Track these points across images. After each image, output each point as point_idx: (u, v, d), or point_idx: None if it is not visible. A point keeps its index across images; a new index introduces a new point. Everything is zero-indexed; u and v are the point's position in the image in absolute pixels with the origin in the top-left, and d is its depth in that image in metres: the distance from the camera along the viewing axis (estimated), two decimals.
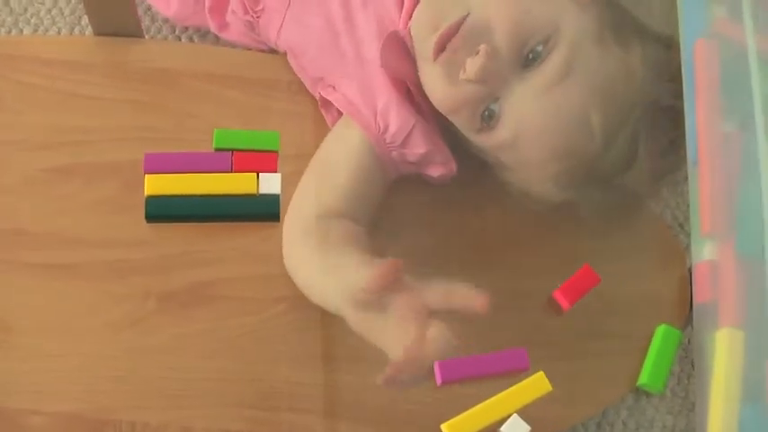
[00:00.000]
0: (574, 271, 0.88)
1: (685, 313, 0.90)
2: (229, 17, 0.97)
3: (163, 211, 0.74)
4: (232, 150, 0.75)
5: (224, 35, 0.98)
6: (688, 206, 0.88)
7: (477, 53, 0.82)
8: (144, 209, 0.76)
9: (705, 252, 0.76)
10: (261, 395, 0.88)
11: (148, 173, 0.74)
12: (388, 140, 0.88)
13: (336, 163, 0.89)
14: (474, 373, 0.84)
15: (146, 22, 1.01)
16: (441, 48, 0.84)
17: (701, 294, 0.76)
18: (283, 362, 0.89)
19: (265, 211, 0.74)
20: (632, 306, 0.91)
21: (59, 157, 0.92)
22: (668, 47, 0.85)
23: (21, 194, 0.91)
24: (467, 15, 0.84)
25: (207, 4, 0.97)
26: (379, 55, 0.87)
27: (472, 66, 0.82)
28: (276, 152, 0.75)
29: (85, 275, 0.89)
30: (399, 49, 0.87)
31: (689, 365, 0.92)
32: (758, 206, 0.69)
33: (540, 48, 0.82)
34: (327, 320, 0.87)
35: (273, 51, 0.96)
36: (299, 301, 0.89)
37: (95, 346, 0.88)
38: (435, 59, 0.85)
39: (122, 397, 0.87)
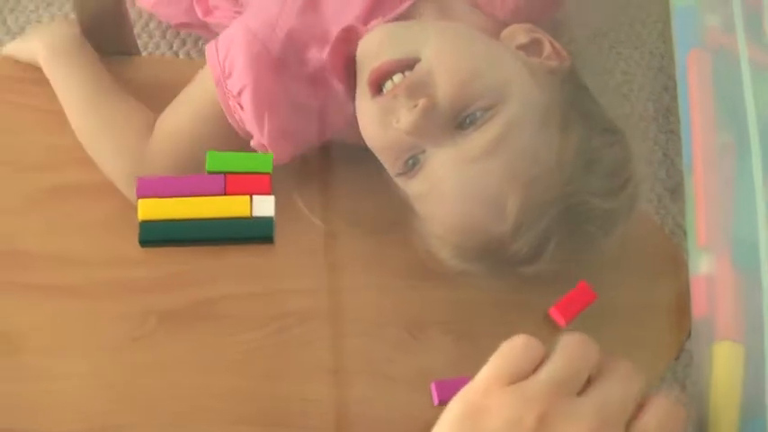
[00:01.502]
0: (572, 281, 0.87)
1: (688, 323, 0.89)
2: (212, 1, 0.97)
3: (157, 235, 0.74)
4: (225, 173, 0.74)
5: (209, 19, 0.98)
6: None
7: (416, 106, 0.80)
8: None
9: (702, 264, 0.75)
10: (266, 412, 0.88)
11: (141, 197, 0.74)
12: (228, 86, 0.87)
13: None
14: None
15: (143, 38, 1.01)
16: (374, 84, 0.83)
17: (698, 308, 0.76)
18: (289, 377, 0.89)
19: (259, 233, 0.74)
20: (633, 317, 0.90)
21: (57, 177, 0.93)
22: (613, 143, 0.83)
23: (20, 215, 0.92)
24: (416, 61, 0.81)
25: None
26: (331, 44, 0.85)
27: (406, 119, 0.80)
28: (269, 174, 0.75)
29: (86, 295, 0.90)
30: (352, 45, 0.85)
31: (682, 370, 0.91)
32: (754, 218, 0.68)
33: (479, 113, 0.80)
34: (335, 334, 0.87)
35: None
36: (304, 315, 0.89)
37: (96, 366, 0.88)
38: (372, 97, 0.83)
39: (124, 416, 0.87)
